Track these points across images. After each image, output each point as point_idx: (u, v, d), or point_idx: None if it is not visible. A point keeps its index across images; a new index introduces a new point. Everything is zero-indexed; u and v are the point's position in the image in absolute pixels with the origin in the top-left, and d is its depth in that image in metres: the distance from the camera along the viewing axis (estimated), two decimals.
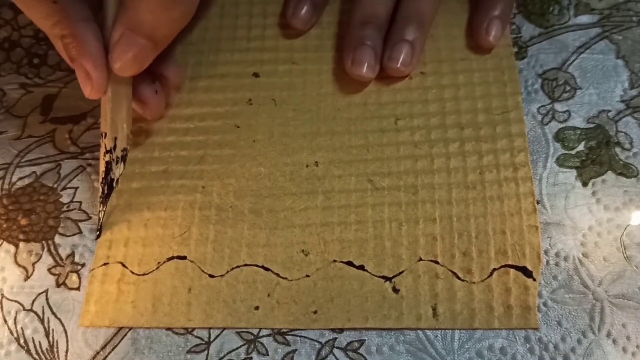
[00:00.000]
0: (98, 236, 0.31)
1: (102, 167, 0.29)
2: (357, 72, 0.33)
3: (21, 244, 0.32)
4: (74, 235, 0.32)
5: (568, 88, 0.34)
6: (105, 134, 0.29)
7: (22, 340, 0.29)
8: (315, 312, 0.29)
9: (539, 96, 0.34)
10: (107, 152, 0.29)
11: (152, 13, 0.26)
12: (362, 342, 0.28)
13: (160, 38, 0.27)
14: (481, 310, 0.28)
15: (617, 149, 0.32)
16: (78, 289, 0.30)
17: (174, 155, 0.33)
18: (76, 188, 0.33)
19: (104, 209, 0.30)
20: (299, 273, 0.30)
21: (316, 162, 0.32)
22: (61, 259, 0.31)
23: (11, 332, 0.29)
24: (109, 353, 0.29)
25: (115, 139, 0.29)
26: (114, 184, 0.30)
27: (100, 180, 0.30)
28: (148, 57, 0.28)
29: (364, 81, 0.34)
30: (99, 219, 0.31)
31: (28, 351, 0.29)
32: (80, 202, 0.32)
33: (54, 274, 0.31)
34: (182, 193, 0.32)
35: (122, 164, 0.30)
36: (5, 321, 0.30)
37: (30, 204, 0.32)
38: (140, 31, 0.26)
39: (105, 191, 0.30)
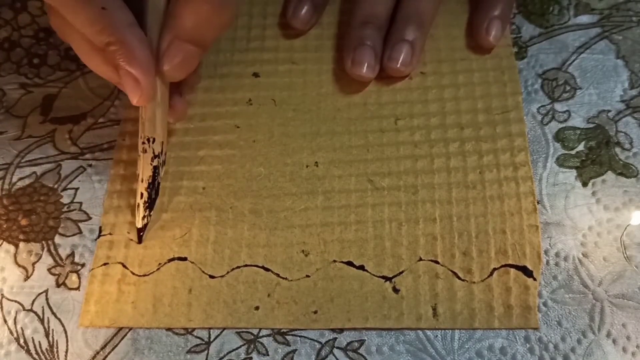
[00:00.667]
0: (140, 241, 0.31)
1: (146, 173, 0.29)
2: (357, 72, 0.33)
3: (21, 244, 0.32)
4: (74, 235, 0.32)
5: (568, 88, 0.34)
6: (153, 139, 0.29)
7: (22, 340, 0.29)
8: (315, 312, 0.29)
9: (539, 96, 0.34)
10: (155, 157, 0.29)
11: (199, 21, 0.27)
12: (362, 342, 0.28)
13: (207, 43, 0.28)
14: (481, 310, 0.28)
15: (617, 149, 0.32)
16: (78, 289, 0.30)
17: (174, 155, 0.33)
18: (77, 189, 0.33)
19: (150, 213, 0.30)
20: (299, 273, 0.30)
21: (316, 162, 0.32)
22: (61, 259, 0.31)
23: (11, 332, 0.29)
24: (109, 353, 0.29)
25: (162, 143, 0.30)
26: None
27: (146, 185, 0.29)
28: (195, 61, 0.28)
29: (364, 81, 0.34)
30: (144, 224, 0.30)
31: (28, 351, 0.29)
32: (81, 203, 0.32)
33: (53, 274, 0.31)
34: (183, 194, 0.32)
35: (163, 167, 0.30)
36: (5, 321, 0.30)
37: (31, 205, 0.32)
38: (188, 38, 0.27)
39: (153, 196, 0.30)
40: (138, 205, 0.30)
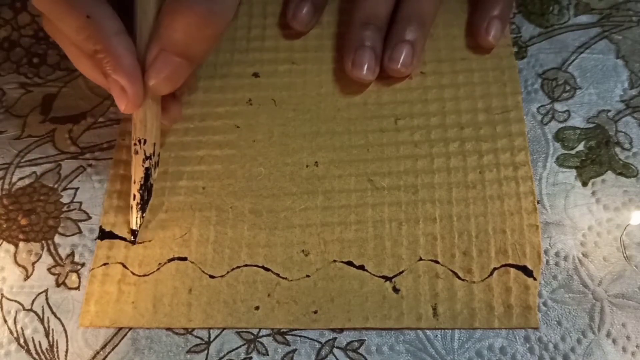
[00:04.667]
0: (134, 242, 0.31)
1: (138, 174, 0.29)
2: (358, 74, 0.33)
3: (21, 244, 0.32)
4: (73, 235, 0.32)
5: (568, 88, 0.34)
6: (144, 140, 0.29)
7: (22, 340, 0.29)
8: (315, 312, 0.29)
9: (539, 96, 0.34)
10: (146, 158, 0.29)
11: (187, 33, 0.26)
12: (362, 342, 0.28)
13: (195, 56, 0.27)
14: (481, 310, 0.28)
15: (617, 149, 0.32)
16: (78, 288, 0.30)
17: (174, 155, 0.33)
18: (77, 189, 0.33)
19: (143, 215, 0.30)
20: (299, 273, 0.30)
21: (316, 162, 0.32)
22: (61, 258, 0.31)
23: (11, 332, 0.29)
24: (109, 353, 0.29)
25: (154, 145, 0.29)
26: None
27: (138, 187, 0.29)
28: (183, 75, 0.28)
29: (364, 83, 0.34)
30: (137, 225, 0.30)
31: (28, 351, 0.29)
32: (81, 203, 0.32)
33: (53, 274, 0.31)
34: (183, 194, 0.32)
35: (156, 169, 0.30)
36: (5, 321, 0.30)
37: (31, 204, 0.32)
38: (175, 50, 0.26)
39: (146, 197, 0.30)
40: (131, 206, 0.30)
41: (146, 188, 0.30)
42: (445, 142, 0.32)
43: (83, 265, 0.31)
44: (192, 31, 0.26)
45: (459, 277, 0.29)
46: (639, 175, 0.31)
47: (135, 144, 0.29)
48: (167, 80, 0.27)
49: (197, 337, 0.29)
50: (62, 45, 0.28)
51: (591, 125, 0.33)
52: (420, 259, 0.30)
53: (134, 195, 0.30)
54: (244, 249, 0.30)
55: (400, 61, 0.33)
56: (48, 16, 0.26)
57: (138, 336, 0.29)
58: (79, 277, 0.31)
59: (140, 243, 0.31)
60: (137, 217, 0.30)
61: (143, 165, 0.29)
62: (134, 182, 0.30)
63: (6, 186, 0.33)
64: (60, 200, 0.33)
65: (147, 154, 0.29)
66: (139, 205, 0.30)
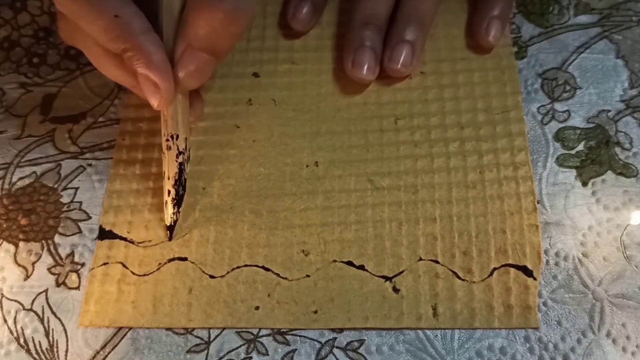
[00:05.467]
0: (170, 238, 0.31)
1: (172, 170, 0.29)
2: (358, 74, 0.33)
3: (21, 244, 0.32)
4: (73, 235, 0.32)
5: (568, 88, 0.34)
6: (176, 135, 0.29)
7: (22, 340, 0.29)
8: (315, 312, 0.29)
9: (539, 96, 0.34)
10: (179, 153, 0.29)
11: (213, 29, 0.26)
12: (362, 341, 0.28)
13: (221, 51, 0.28)
14: (481, 310, 0.28)
15: (617, 149, 0.32)
16: (78, 288, 0.30)
17: None
18: (77, 188, 0.33)
19: (179, 210, 0.30)
20: (299, 273, 0.30)
21: (316, 162, 0.32)
22: (61, 258, 0.31)
23: (11, 332, 0.29)
24: (109, 353, 0.29)
25: (186, 139, 0.30)
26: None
27: (173, 182, 0.30)
28: (210, 70, 0.28)
29: (364, 83, 0.34)
30: (173, 221, 0.30)
31: (28, 351, 0.29)
32: (81, 202, 0.32)
33: (53, 274, 0.31)
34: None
35: (188, 163, 0.30)
36: (5, 321, 0.30)
37: (31, 204, 0.32)
38: (202, 46, 0.27)
39: (180, 192, 0.30)
40: (166, 202, 0.30)
41: (180, 183, 0.30)
42: (445, 142, 0.32)
43: (83, 265, 0.31)
44: (218, 28, 0.26)
45: (459, 277, 0.29)
46: (639, 175, 0.31)
47: (167, 140, 0.29)
48: (195, 75, 0.27)
49: (197, 337, 0.29)
50: (84, 47, 0.28)
51: (591, 125, 0.33)
52: (420, 259, 0.30)
53: (169, 191, 0.30)
54: (244, 249, 0.30)
55: (400, 61, 0.33)
56: (73, 18, 0.26)
57: (138, 336, 0.29)
58: (79, 277, 0.31)
59: (140, 243, 0.31)
60: (173, 213, 0.30)
61: (177, 161, 0.29)
62: (168, 178, 0.30)
63: (6, 186, 0.33)
64: (60, 200, 0.33)
65: (180, 149, 0.29)
66: (174, 201, 0.30)
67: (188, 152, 0.30)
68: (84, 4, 0.25)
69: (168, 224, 0.30)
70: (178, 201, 0.30)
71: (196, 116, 0.32)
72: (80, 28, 0.26)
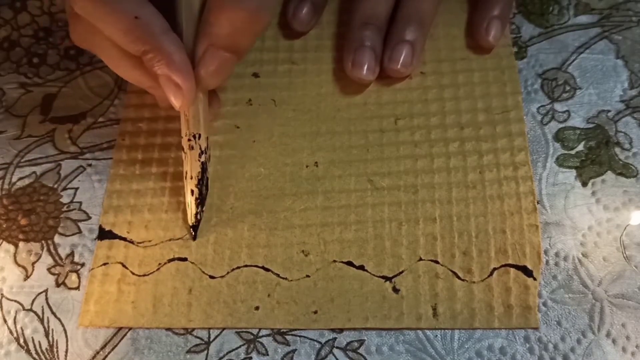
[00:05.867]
0: (194, 238, 0.31)
1: (195, 169, 0.29)
2: (357, 74, 0.33)
3: (21, 244, 0.32)
4: (73, 235, 0.32)
5: (568, 88, 0.34)
6: (199, 135, 0.29)
7: (21, 340, 0.29)
8: (315, 312, 0.29)
9: (539, 96, 0.34)
10: (202, 152, 0.29)
11: (235, 28, 0.26)
12: (361, 342, 0.28)
13: (243, 50, 0.28)
14: (481, 310, 0.28)
15: (617, 149, 0.32)
16: (78, 288, 0.30)
17: (174, 156, 0.33)
18: (76, 189, 0.33)
19: (202, 209, 0.30)
20: (299, 273, 0.30)
21: (316, 162, 0.32)
22: (60, 258, 0.31)
23: (11, 332, 0.29)
24: (109, 353, 0.29)
25: (207, 139, 0.30)
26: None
27: (196, 182, 0.30)
28: (231, 68, 0.28)
29: (364, 83, 0.34)
30: (197, 220, 0.30)
31: (28, 351, 0.29)
32: (80, 203, 0.32)
33: (53, 274, 0.31)
34: (183, 195, 0.32)
35: (209, 163, 0.31)
36: (5, 321, 0.30)
37: (30, 204, 0.32)
38: (224, 45, 0.27)
39: (203, 192, 0.30)
40: (188, 203, 0.30)
41: (203, 183, 0.30)
42: (445, 142, 0.32)
43: (83, 265, 0.31)
44: (241, 27, 0.26)
45: (459, 277, 0.29)
46: (639, 175, 0.31)
47: (189, 140, 0.29)
48: (217, 74, 0.28)
49: (197, 337, 0.29)
50: (99, 49, 0.28)
51: (591, 126, 0.33)
52: (420, 259, 0.30)
53: (192, 191, 0.30)
54: (244, 249, 0.30)
55: (400, 61, 0.33)
56: (92, 21, 0.25)
57: (138, 336, 0.29)
58: (79, 277, 0.31)
59: (140, 243, 0.31)
60: (196, 213, 0.30)
61: (199, 160, 0.29)
62: (191, 178, 0.30)
63: (6, 186, 0.33)
64: (60, 200, 0.33)
65: (202, 149, 0.29)
66: (198, 201, 0.30)
67: (210, 151, 0.30)
68: (104, 6, 0.25)
69: (191, 224, 0.30)
70: (202, 201, 0.30)
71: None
72: (96, 30, 0.26)
